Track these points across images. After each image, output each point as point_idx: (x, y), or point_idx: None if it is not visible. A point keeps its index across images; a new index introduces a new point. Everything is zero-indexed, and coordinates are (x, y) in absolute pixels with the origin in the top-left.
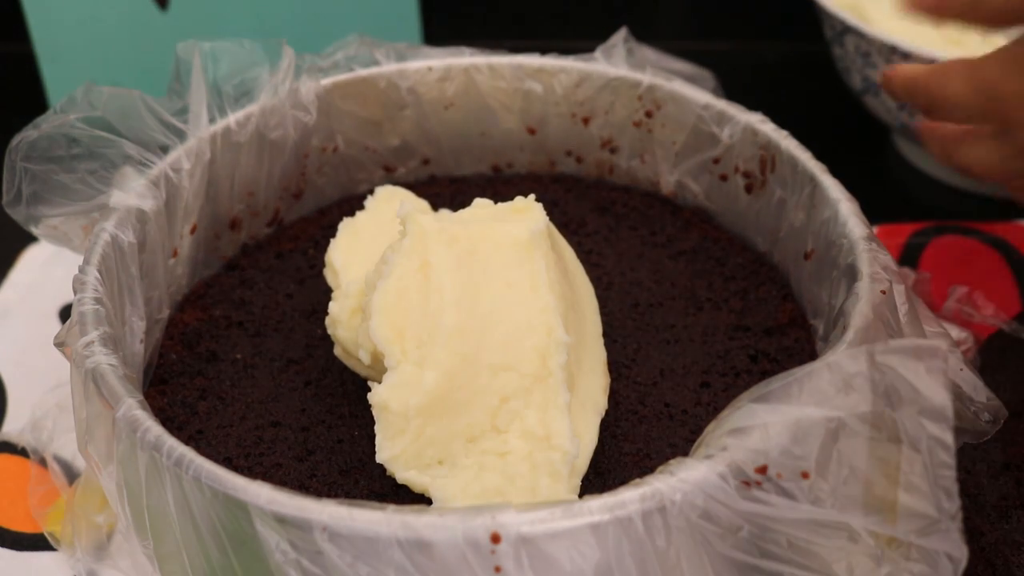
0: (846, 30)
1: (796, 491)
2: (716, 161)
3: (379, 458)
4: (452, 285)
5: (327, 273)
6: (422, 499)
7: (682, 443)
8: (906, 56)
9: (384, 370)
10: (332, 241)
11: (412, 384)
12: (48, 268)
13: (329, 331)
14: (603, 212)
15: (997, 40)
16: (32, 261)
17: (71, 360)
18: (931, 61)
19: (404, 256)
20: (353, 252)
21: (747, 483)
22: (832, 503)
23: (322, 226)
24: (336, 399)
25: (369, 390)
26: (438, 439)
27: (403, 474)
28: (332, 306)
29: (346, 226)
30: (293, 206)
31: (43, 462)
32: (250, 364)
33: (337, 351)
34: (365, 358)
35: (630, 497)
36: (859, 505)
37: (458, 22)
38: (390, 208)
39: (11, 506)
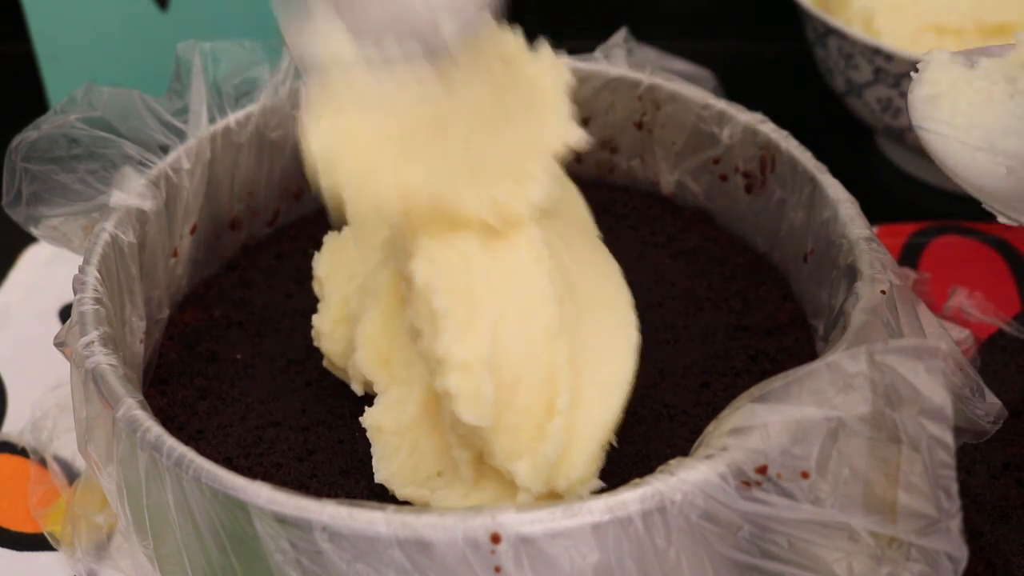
0: (828, 32)
1: (796, 491)
2: (716, 161)
3: (377, 479)
4: None
5: (314, 284)
6: None
7: (682, 443)
8: (889, 58)
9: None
10: (316, 255)
11: (402, 402)
12: (48, 268)
13: (315, 343)
14: (603, 212)
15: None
16: (32, 261)
17: (71, 360)
18: (914, 62)
19: (389, 286)
20: (337, 264)
21: (747, 483)
22: (832, 503)
23: (322, 226)
24: (336, 399)
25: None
26: (433, 450)
27: (403, 491)
28: (315, 319)
29: (330, 240)
30: (293, 206)
31: (43, 462)
32: (250, 364)
33: (325, 362)
34: (358, 390)
35: (630, 497)
36: (859, 505)
37: None
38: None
39: (11, 506)
